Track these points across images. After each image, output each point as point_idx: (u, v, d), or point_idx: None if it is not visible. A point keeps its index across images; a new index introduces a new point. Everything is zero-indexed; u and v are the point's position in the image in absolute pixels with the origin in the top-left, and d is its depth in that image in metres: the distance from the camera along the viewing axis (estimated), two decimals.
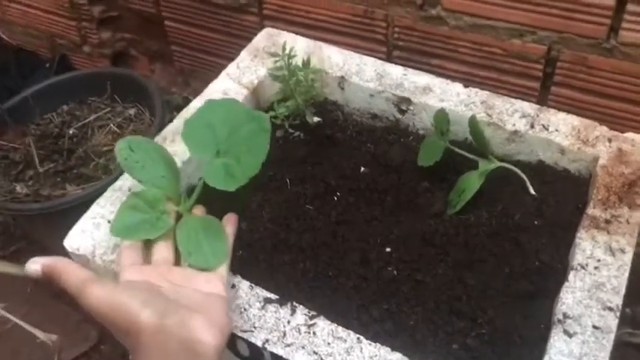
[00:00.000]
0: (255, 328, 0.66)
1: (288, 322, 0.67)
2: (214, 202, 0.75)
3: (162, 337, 0.53)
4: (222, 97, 0.91)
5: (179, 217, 0.69)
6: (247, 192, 0.69)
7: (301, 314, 0.67)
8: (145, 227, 0.66)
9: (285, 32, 1.01)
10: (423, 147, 0.86)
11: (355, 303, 0.73)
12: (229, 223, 0.72)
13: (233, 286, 0.70)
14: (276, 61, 0.84)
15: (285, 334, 0.65)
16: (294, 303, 0.68)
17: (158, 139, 0.85)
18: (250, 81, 0.94)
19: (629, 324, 1.04)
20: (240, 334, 0.66)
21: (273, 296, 0.69)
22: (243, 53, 0.98)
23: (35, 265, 0.58)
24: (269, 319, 0.67)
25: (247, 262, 0.76)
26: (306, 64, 0.84)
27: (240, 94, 0.92)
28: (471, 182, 0.80)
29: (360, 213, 0.83)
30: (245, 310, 0.68)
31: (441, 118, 0.83)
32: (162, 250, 0.66)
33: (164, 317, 0.54)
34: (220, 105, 0.72)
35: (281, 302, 0.68)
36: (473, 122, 0.81)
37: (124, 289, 0.56)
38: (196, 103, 0.90)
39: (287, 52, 0.83)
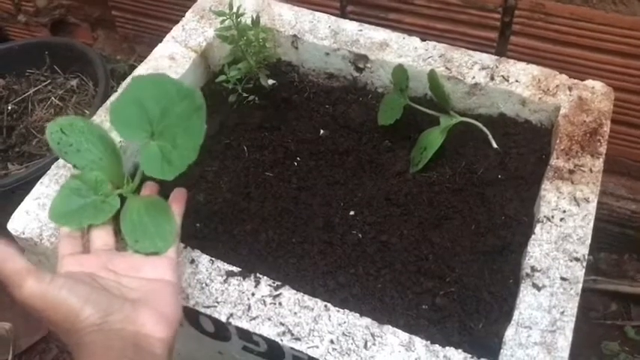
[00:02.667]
0: (218, 303, 0.63)
1: (253, 294, 0.64)
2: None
3: (105, 335, 0.49)
4: (168, 62, 0.86)
5: (123, 200, 0.64)
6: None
7: (265, 285, 0.65)
8: (88, 212, 0.61)
9: None
10: (383, 105, 0.84)
11: (321, 269, 0.71)
12: (176, 201, 0.65)
13: (192, 261, 0.67)
14: (223, 21, 0.79)
15: (249, 307, 0.63)
16: (258, 274, 0.65)
17: (101, 111, 0.80)
18: (198, 43, 0.89)
19: (592, 271, 1.06)
20: (202, 310, 0.63)
21: (235, 269, 0.66)
22: (189, 14, 0.93)
23: None
24: (232, 292, 0.64)
25: (207, 236, 0.73)
26: (256, 22, 0.79)
27: (187, 57, 0.87)
28: (433, 139, 0.78)
29: (322, 177, 0.80)
30: (206, 285, 0.65)
31: (400, 74, 0.80)
32: (103, 237, 0.61)
33: (107, 314, 0.50)
34: (149, 81, 0.64)
35: (244, 274, 0.66)
36: (432, 77, 0.78)
37: (62, 285, 0.51)
38: (141, 70, 0.85)
39: (234, 10, 0.78)
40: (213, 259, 0.67)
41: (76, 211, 0.61)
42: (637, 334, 1.00)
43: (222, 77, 0.83)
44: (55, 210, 0.61)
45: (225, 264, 0.67)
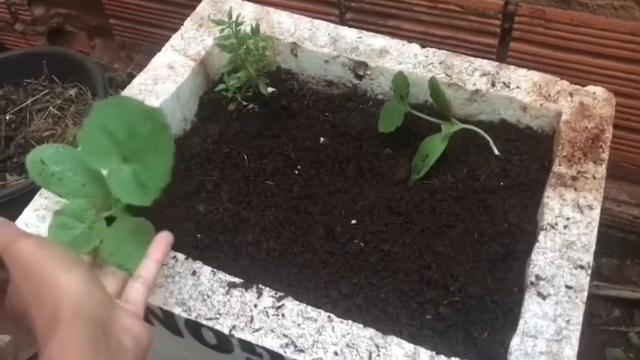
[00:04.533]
0: (220, 314, 0.63)
1: (255, 305, 0.63)
2: None
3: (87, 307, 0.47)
4: (167, 71, 0.85)
5: (112, 219, 0.63)
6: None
7: (268, 296, 0.64)
8: (79, 243, 0.60)
9: None
10: (383, 112, 0.83)
11: (323, 279, 0.70)
12: (157, 247, 0.60)
13: (194, 272, 0.66)
14: (222, 29, 0.78)
15: (252, 319, 0.62)
16: (260, 285, 0.65)
17: None
18: (197, 52, 0.88)
19: (594, 276, 1.05)
20: (204, 322, 0.62)
21: (237, 280, 0.65)
22: (188, 23, 0.92)
23: None
24: (234, 304, 0.63)
25: (208, 246, 0.72)
26: (255, 30, 0.79)
27: (186, 66, 0.86)
28: (434, 146, 0.78)
29: (323, 185, 0.80)
30: (208, 297, 0.64)
31: (400, 81, 0.80)
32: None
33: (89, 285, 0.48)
34: (112, 104, 0.62)
35: (246, 286, 0.65)
36: (433, 84, 0.78)
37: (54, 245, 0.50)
38: (140, 79, 0.84)
39: (234, 19, 0.78)
40: (214, 270, 0.66)
41: (69, 244, 0.60)
42: None
43: (221, 86, 0.83)
44: None
45: (227, 275, 0.66)
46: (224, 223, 0.75)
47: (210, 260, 0.69)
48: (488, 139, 0.80)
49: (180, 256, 0.68)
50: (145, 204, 0.59)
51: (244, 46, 0.79)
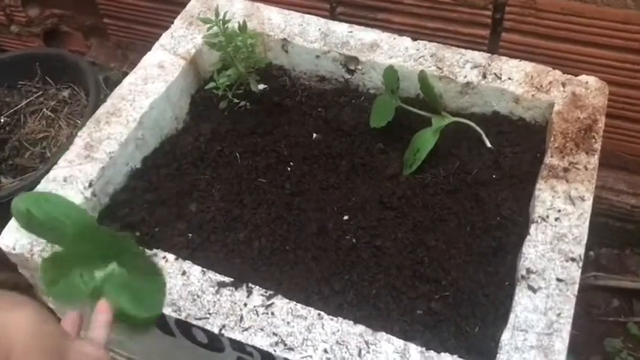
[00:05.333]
0: (210, 314, 0.63)
1: (245, 304, 0.63)
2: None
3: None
4: (157, 71, 0.85)
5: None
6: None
7: (258, 295, 0.64)
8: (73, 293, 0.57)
9: None
10: (375, 107, 0.83)
11: (315, 276, 0.70)
12: (100, 313, 0.57)
13: (184, 272, 0.66)
14: (209, 28, 0.78)
15: (242, 318, 0.62)
16: (250, 284, 0.65)
17: (91, 122, 0.79)
18: (187, 50, 0.88)
19: (593, 267, 1.05)
20: (194, 322, 0.62)
21: (227, 279, 0.65)
22: (177, 21, 0.92)
23: None
24: (224, 303, 0.63)
25: (199, 246, 0.72)
26: (243, 28, 0.79)
27: (176, 65, 0.86)
28: (426, 140, 0.77)
29: (315, 181, 0.80)
30: (198, 296, 0.64)
31: (390, 75, 0.79)
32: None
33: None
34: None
35: (236, 285, 0.65)
36: (422, 78, 0.77)
37: None
38: (130, 79, 0.84)
39: (221, 16, 0.78)
40: (204, 270, 0.66)
41: (67, 295, 0.57)
42: None
43: (211, 84, 0.82)
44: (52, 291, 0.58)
45: (216, 275, 0.66)
46: (216, 221, 0.75)
47: (201, 260, 0.69)
48: (480, 131, 0.79)
49: (170, 257, 0.68)
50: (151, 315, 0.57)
51: (233, 44, 0.79)
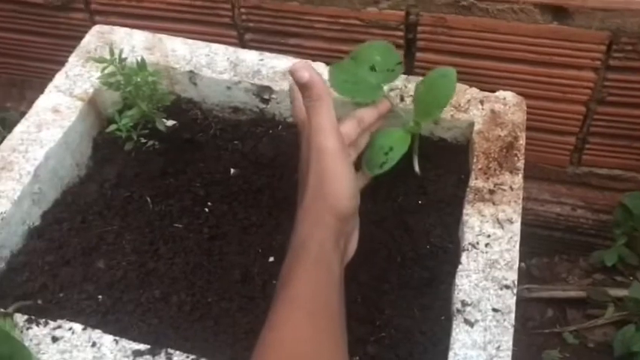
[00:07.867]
0: None
1: None
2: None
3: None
4: (52, 116, 0.77)
5: None
6: None
7: None
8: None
9: (118, 28, 0.88)
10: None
11: (243, 328, 0.65)
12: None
13: (94, 344, 0.59)
14: (104, 68, 0.71)
15: None
16: (169, 350, 0.59)
17: None
18: (84, 90, 0.81)
19: (526, 278, 1.05)
20: None
21: (142, 347, 0.59)
22: (72, 58, 0.85)
23: (305, 73, 0.60)
24: None
25: (110, 309, 0.65)
26: (142, 66, 0.72)
27: (73, 107, 0.79)
28: (399, 138, 0.71)
29: (236, 221, 0.75)
30: None
31: None
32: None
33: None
34: None
35: (153, 352, 0.59)
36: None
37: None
38: (22, 127, 0.76)
39: (117, 53, 0.71)
40: (117, 338, 0.60)
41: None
42: (575, 337, 1.00)
43: (113, 126, 0.76)
44: None
45: (131, 342, 0.59)
46: (128, 278, 0.68)
47: (112, 325, 0.63)
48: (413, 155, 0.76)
49: (77, 327, 0.60)
50: None
51: (133, 83, 0.72)
